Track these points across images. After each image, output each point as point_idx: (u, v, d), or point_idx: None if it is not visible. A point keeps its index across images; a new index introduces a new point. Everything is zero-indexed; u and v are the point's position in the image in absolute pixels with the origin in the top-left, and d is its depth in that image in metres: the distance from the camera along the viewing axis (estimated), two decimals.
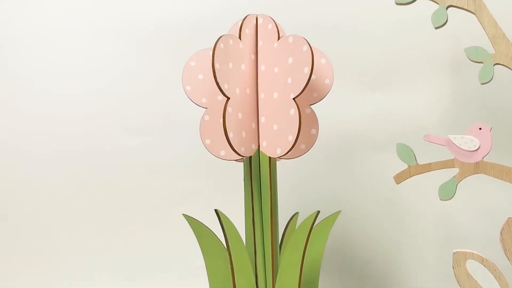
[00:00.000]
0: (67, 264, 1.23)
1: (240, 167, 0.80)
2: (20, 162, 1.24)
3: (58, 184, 1.23)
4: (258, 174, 0.77)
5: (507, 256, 0.72)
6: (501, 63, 0.74)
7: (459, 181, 0.76)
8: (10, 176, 1.24)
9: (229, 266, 0.72)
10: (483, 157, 0.75)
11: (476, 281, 0.73)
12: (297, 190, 1.13)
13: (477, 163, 0.75)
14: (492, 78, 0.75)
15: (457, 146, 0.75)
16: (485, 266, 0.72)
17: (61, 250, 1.23)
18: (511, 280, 0.72)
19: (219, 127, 0.68)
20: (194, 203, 1.10)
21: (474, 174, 0.76)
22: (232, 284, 0.72)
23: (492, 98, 1.06)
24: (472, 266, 0.74)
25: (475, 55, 0.75)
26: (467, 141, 0.75)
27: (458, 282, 0.74)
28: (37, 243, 1.24)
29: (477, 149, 0.75)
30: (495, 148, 0.75)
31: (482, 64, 0.75)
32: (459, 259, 0.74)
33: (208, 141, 0.78)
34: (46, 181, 1.23)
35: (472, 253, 0.73)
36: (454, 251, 0.74)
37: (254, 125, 0.75)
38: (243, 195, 0.77)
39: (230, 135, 0.68)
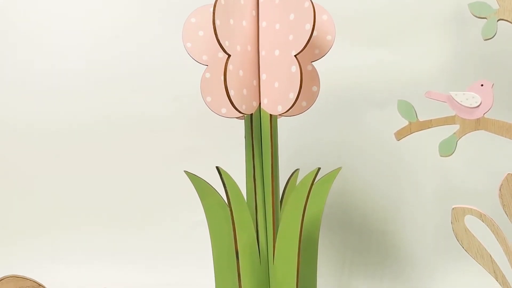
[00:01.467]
0: (74, 215, 1.25)
1: (241, 124, 0.80)
2: None
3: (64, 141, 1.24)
4: (259, 132, 0.77)
5: (505, 212, 0.73)
6: (505, 18, 0.73)
7: (460, 138, 0.76)
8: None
9: (231, 222, 0.73)
10: (484, 114, 0.75)
11: (474, 236, 0.74)
12: (297, 148, 1.14)
13: (478, 119, 0.75)
14: (495, 34, 0.74)
15: (458, 102, 0.75)
16: (483, 222, 0.74)
17: (67, 204, 1.26)
18: (509, 235, 0.73)
19: (220, 84, 0.67)
20: (195, 161, 1.11)
21: (475, 130, 0.76)
22: (233, 240, 0.73)
23: (495, 55, 1.05)
24: (470, 222, 0.75)
25: (478, 11, 0.74)
26: (469, 98, 0.75)
27: (456, 238, 0.75)
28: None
29: (478, 106, 0.75)
30: (496, 105, 0.75)
31: (485, 19, 0.74)
32: (457, 215, 0.75)
33: (209, 99, 0.77)
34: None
35: (471, 209, 0.74)
36: (453, 206, 0.75)
37: (255, 83, 0.75)
38: (244, 153, 0.77)
39: (231, 92, 0.68)
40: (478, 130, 0.76)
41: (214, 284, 0.78)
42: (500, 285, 0.72)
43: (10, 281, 0.73)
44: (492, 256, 0.73)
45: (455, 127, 0.77)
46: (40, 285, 0.74)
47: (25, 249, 1.25)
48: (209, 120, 0.97)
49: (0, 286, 0.72)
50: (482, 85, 0.75)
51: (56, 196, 1.25)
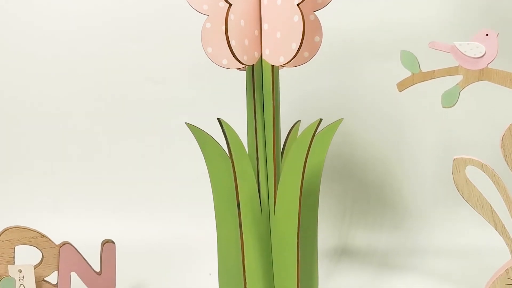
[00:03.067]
0: (75, 170, 1.26)
1: (242, 75, 0.79)
2: None
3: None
4: (261, 83, 0.76)
5: (506, 162, 0.73)
6: None
7: (463, 88, 0.76)
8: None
9: (232, 173, 0.73)
10: (488, 64, 0.74)
11: (474, 186, 0.75)
12: (299, 99, 1.13)
13: (481, 69, 0.74)
14: None
15: (462, 53, 0.74)
16: (484, 172, 0.74)
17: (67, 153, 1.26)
18: (510, 185, 0.74)
19: (221, 35, 0.66)
20: (196, 113, 1.10)
21: (478, 81, 0.75)
22: (235, 191, 0.73)
23: (500, 4, 1.03)
24: (471, 173, 0.76)
25: None
26: (473, 48, 0.74)
27: (457, 188, 0.76)
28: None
29: (482, 56, 0.74)
30: (500, 56, 0.74)
31: None
32: (458, 165, 0.75)
33: (209, 50, 0.75)
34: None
35: (472, 159, 0.74)
36: (454, 157, 0.75)
37: (256, 33, 0.73)
38: (245, 104, 0.77)
39: (233, 43, 0.67)
40: (481, 80, 0.75)
41: (216, 234, 0.79)
42: (500, 234, 0.74)
43: (13, 231, 0.75)
44: (492, 206, 0.74)
45: (458, 78, 0.76)
46: (43, 235, 0.76)
47: (26, 200, 1.26)
48: (210, 72, 0.96)
49: (3, 237, 0.74)
50: (486, 34, 0.73)
51: (56, 145, 1.26)
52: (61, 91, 1.24)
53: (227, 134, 0.72)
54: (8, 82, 1.26)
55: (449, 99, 0.76)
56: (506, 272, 0.73)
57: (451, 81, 0.77)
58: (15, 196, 1.27)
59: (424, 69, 0.77)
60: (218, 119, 0.72)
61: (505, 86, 0.74)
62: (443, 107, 0.77)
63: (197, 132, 0.78)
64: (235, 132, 0.74)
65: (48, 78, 1.24)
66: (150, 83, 1.21)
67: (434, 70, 0.77)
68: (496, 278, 0.73)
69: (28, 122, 1.26)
